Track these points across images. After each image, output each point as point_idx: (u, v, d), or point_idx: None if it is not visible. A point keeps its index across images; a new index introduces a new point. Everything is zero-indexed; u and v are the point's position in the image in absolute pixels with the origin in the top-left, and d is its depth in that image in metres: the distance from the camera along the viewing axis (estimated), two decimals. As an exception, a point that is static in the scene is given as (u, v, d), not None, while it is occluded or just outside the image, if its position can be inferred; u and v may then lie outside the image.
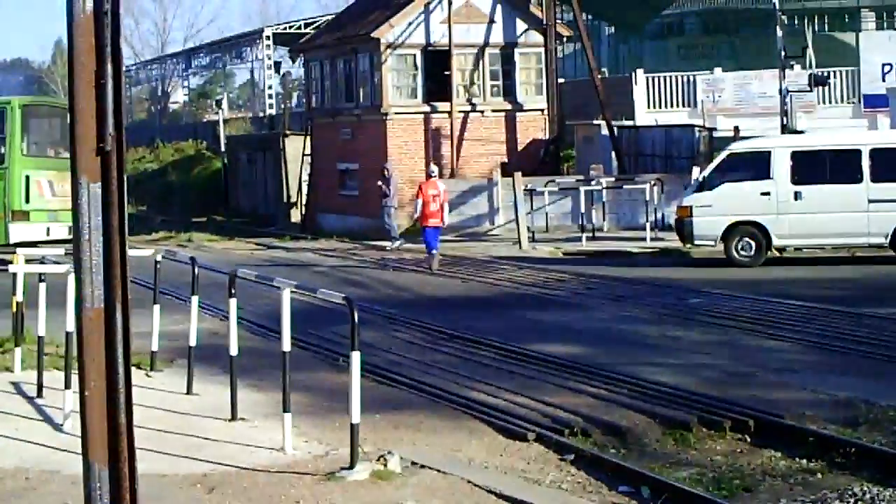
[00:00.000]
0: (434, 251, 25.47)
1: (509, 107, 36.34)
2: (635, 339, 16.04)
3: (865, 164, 23.95)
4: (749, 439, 10.85)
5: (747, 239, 24.45)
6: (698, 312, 18.32)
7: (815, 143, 25.54)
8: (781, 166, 24.27)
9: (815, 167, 24.28)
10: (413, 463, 9.49)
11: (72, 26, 4.68)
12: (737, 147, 25.72)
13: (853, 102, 38.96)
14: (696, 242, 25.21)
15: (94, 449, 4.79)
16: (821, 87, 35.24)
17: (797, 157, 24.37)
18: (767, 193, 24.28)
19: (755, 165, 24.53)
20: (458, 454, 10.14)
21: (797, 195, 24.20)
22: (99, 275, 4.74)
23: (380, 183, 32.41)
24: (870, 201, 23.92)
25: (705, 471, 9.98)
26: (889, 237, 24.08)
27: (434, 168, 28.16)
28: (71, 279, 10.55)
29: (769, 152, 24.58)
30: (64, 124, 30.35)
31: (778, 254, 25.23)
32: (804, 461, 10.10)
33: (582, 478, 9.59)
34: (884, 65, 37.92)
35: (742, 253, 24.47)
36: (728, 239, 24.52)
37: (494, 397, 12.21)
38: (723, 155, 25.45)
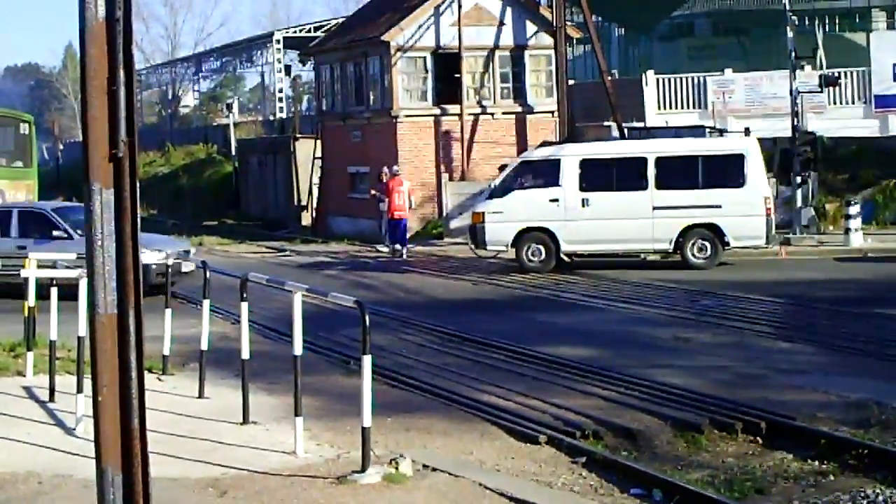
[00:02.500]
0: (401, 244, 29.46)
1: (519, 109, 36.33)
2: (645, 341, 16.03)
3: (650, 172, 24.34)
4: (761, 441, 10.84)
5: (537, 245, 24.85)
6: (708, 314, 18.30)
7: (603, 151, 25.88)
8: (570, 174, 24.66)
9: (603, 175, 24.71)
10: (424, 466, 9.50)
11: (84, 33, 4.69)
12: (528, 155, 26.32)
13: (864, 103, 38.81)
14: (489, 248, 25.82)
15: (108, 453, 4.82)
16: (831, 88, 35.05)
17: (585, 165, 24.75)
18: (556, 200, 24.68)
19: (546, 173, 24.99)
20: (469, 457, 10.14)
21: (585, 202, 24.56)
22: (112, 281, 4.76)
23: (373, 192, 32.72)
24: (654, 208, 24.30)
25: (717, 473, 9.97)
26: (673, 243, 24.44)
27: (396, 168, 32.04)
28: (83, 284, 10.58)
29: (559, 160, 24.96)
30: (16, 133, 30.32)
31: (568, 259, 25.42)
32: (816, 463, 10.09)
33: (594, 480, 9.59)
34: (894, 65, 37.73)
35: (532, 258, 24.89)
36: (518, 245, 24.95)
37: (505, 400, 12.21)
38: (515, 163, 26.03)
